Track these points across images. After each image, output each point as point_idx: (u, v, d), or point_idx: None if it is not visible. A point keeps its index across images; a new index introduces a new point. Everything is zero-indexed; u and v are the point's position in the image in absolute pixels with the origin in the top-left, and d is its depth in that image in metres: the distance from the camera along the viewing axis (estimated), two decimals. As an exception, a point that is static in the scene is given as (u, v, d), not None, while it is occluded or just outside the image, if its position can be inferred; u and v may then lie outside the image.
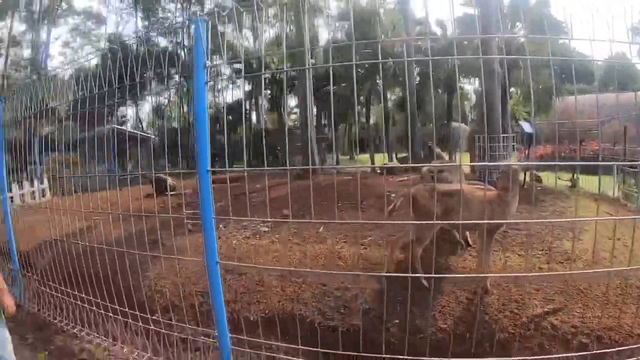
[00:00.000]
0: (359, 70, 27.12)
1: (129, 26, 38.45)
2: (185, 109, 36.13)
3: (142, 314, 4.14)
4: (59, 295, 5.09)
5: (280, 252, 5.85)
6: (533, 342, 3.79)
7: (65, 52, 40.73)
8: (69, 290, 4.92)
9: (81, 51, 40.78)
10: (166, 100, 36.86)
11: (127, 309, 4.25)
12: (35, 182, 12.28)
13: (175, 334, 3.95)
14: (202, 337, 3.79)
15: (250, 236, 6.72)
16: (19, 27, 34.56)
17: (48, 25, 35.02)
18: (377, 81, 28.21)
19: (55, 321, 4.99)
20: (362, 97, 31.45)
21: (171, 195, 10.42)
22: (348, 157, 36.95)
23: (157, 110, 38.18)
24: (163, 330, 4.01)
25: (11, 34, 33.45)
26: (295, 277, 4.89)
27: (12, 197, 10.86)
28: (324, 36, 32.90)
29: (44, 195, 12.60)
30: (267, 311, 4.52)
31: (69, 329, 4.78)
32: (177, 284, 4.89)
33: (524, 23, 20.53)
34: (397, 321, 4.13)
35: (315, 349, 3.36)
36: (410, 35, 20.93)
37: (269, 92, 35.16)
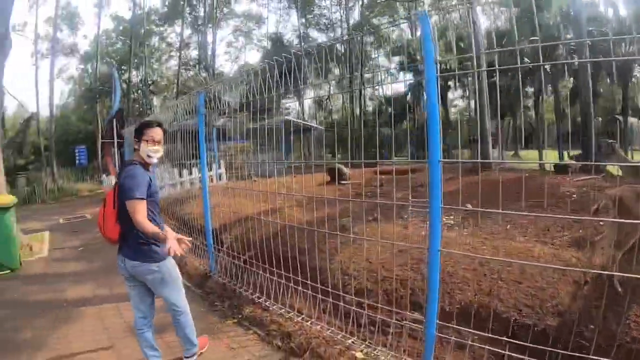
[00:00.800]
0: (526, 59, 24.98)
1: (288, 25, 40.52)
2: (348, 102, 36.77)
3: (334, 291, 4.24)
4: (249, 267, 5.33)
5: (472, 245, 5.49)
6: None
7: (230, 52, 44.60)
8: (259, 264, 5.13)
9: (244, 50, 44.09)
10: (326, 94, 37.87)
11: (318, 286, 4.35)
12: (214, 167, 13.18)
13: (369, 313, 3.96)
14: (404, 321, 3.75)
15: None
16: (186, 31, 38.27)
17: (213, 28, 38.24)
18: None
19: (246, 293, 5.18)
20: (528, 88, 28.91)
21: (345, 183, 10.77)
22: (512, 152, 34.30)
23: (319, 103, 39.42)
24: (357, 310, 4.07)
25: (182, 38, 37.17)
26: (489, 272, 4.59)
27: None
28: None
29: (220, 179, 13.53)
30: (462, 303, 4.24)
31: (262, 301, 4.92)
32: (369, 269, 4.94)
33: None
34: (591, 326, 3.67)
35: (523, 344, 3.09)
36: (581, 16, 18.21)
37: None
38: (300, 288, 4.52)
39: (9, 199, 7.46)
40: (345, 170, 11.34)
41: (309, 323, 4.31)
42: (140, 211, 3.06)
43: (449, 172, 10.87)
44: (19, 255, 7.52)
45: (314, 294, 4.43)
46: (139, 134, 3.31)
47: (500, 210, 3.64)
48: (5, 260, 7.11)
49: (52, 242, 9.53)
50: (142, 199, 3.11)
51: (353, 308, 4.11)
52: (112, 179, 15.87)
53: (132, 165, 3.27)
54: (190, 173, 13.77)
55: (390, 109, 31.38)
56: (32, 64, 30.70)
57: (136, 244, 3.22)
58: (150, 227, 3.05)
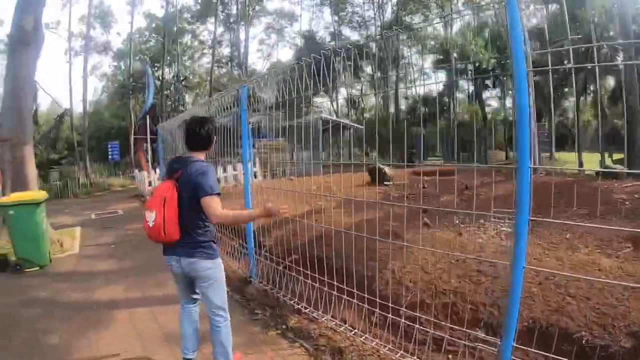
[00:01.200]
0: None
1: (321, 22, 40.19)
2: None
3: (389, 304, 3.82)
4: (292, 273, 4.94)
5: (533, 256, 4.92)
6: None
7: (262, 49, 44.71)
8: (303, 270, 4.71)
9: (276, 47, 44.05)
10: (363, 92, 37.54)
11: (372, 298, 3.95)
12: (250, 165, 12.83)
13: (432, 331, 3.57)
14: (477, 344, 3.32)
15: (495, 235, 5.95)
16: (218, 28, 38.45)
17: (245, 25, 38.27)
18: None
19: (291, 301, 4.74)
20: (567, 89, 27.78)
21: (387, 184, 10.36)
22: (547, 154, 32.99)
23: (352, 102, 39.06)
24: (418, 327, 3.63)
25: (215, 35, 37.26)
26: (555, 286, 4.09)
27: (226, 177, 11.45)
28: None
29: (255, 177, 13.15)
30: (530, 320, 3.72)
31: (308, 311, 4.47)
32: (425, 280, 4.48)
33: None
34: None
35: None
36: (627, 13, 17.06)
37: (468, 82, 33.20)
38: (349, 299, 4.14)
39: (40, 195, 7.19)
40: (387, 170, 10.87)
41: (362, 338, 3.87)
42: (220, 205, 3.10)
43: (485, 176, 10.34)
44: (49, 251, 7.24)
45: (365, 305, 4.02)
46: (211, 140, 3.39)
47: (576, 222, 3.11)
48: (35, 257, 6.83)
49: (83, 238, 9.26)
50: (219, 194, 3.14)
51: (416, 326, 3.65)
52: (145, 175, 15.68)
53: (198, 162, 3.23)
54: (225, 170, 13.49)
55: (424, 108, 30.75)
56: (65, 61, 31.05)
57: (196, 242, 3.17)
58: (236, 213, 3.31)
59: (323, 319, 4.27)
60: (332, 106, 37.96)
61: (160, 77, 34.51)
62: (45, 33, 9.69)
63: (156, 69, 34.55)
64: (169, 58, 35.70)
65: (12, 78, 8.66)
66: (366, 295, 3.99)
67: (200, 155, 3.31)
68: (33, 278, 6.48)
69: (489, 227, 6.33)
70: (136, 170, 20.11)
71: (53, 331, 4.50)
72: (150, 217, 3.05)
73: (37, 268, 6.83)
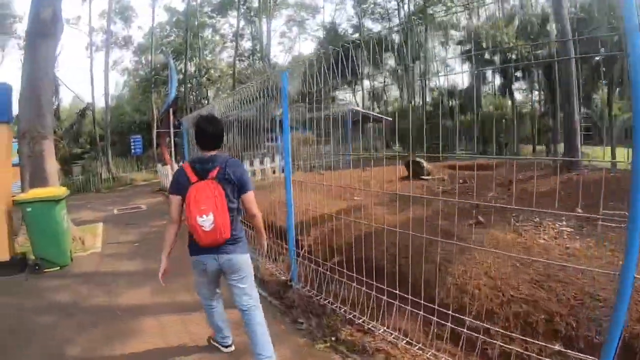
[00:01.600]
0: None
1: (343, 14, 39.49)
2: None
3: (453, 314, 3.38)
4: (336, 276, 4.44)
5: (606, 260, 4.25)
6: None
7: (283, 42, 44.37)
8: (350, 273, 4.21)
9: (298, 40, 43.54)
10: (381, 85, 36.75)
11: (423, 302, 3.50)
12: (277, 158, 12.33)
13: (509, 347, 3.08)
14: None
15: (556, 236, 5.28)
16: (239, 22, 37.85)
17: (267, 18, 37.94)
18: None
19: (340, 310, 4.18)
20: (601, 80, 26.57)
21: (427, 179, 9.88)
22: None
23: (375, 95, 38.49)
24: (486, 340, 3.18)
25: (238, 27, 36.96)
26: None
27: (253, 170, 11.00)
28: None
29: (282, 171, 12.63)
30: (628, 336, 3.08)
31: (362, 322, 3.92)
32: (490, 285, 3.95)
33: None
34: None
35: None
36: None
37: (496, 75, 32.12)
38: (404, 306, 3.65)
39: (60, 191, 6.74)
40: (425, 164, 10.36)
41: (428, 355, 3.35)
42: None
43: (521, 171, 9.71)
44: (70, 250, 6.82)
45: (421, 313, 3.54)
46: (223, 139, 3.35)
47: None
48: (54, 257, 6.41)
49: (105, 236, 8.85)
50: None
51: (498, 343, 3.14)
52: (168, 169, 15.33)
53: (231, 158, 3.23)
54: (260, 163, 12.88)
55: (451, 100, 30.01)
56: (87, 56, 30.93)
57: (236, 238, 3.16)
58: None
59: (379, 331, 3.73)
60: (355, 99, 37.27)
61: (184, 71, 34.33)
62: (64, 25, 9.30)
63: (178, 62, 34.33)
64: (190, 52, 35.47)
65: (30, 70, 8.25)
66: (423, 302, 3.49)
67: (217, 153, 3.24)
68: (53, 279, 6.06)
69: (547, 226, 5.68)
70: (159, 164, 19.86)
71: (74, 341, 4.06)
72: (206, 221, 2.94)
73: (58, 268, 6.41)
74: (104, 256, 7.22)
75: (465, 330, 3.29)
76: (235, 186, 3.07)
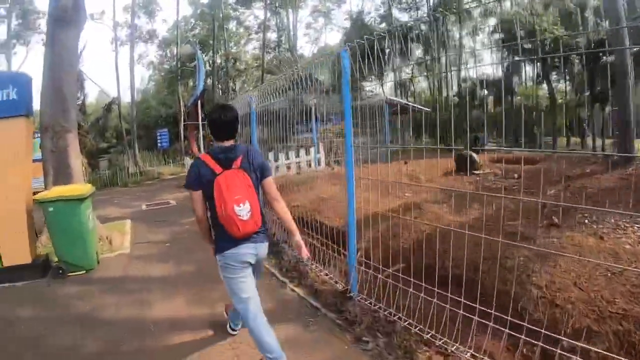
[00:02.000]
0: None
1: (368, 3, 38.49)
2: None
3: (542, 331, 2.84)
4: (403, 286, 3.76)
5: None
6: None
7: (309, 33, 43.78)
8: (419, 283, 3.60)
9: (324, 31, 42.89)
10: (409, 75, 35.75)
11: (509, 319, 2.97)
12: (312, 151, 11.68)
13: None
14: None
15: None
16: (266, 12, 37.47)
17: (293, 9, 37.36)
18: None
19: (415, 329, 3.49)
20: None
21: (477, 174, 9.30)
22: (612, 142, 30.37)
23: (403, 85, 37.62)
24: None
25: (265, 18, 36.54)
26: None
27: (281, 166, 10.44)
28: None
29: (319, 164, 11.97)
30: None
31: (442, 343, 3.26)
32: (581, 299, 3.31)
33: None
34: None
35: None
36: None
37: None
38: (490, 323, 3.05)
39: (84, 189, 6.13)
40: (477, 158, 9.71)
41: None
42: None
43: (574, 165, 8.86)
44: (97, 252, 6.26)
45: (506, 331, 3.00)
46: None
47: None
48: (79, 260, 5.85)
49: (134, 234, 8.28)
50: None
51: None
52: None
53: (248, 146, 3.27)
54: (295, 155, 12.17)
55: (485, 91, 29.07)
56: (111, 50, 30.92)
57: (264, 224, 3.08)
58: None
59: (467, 355, 3.07)
60: (383, 90, 36.35)
61: (211, 62, 34.07)
62: (88, 18, 8.78)
63: (204, 54, 34.10)
64: (216, 44, 35.20)
65: (51, 61, 7.69)
66: (509, 318, 2.95)
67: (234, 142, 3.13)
68: (77, 285, 5.49)
69: (626, 228, 4.86)
70: (187, 158, 19.47)
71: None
72: (243, 209, 2.83)
73: (83, 272, 5.86)
74: (132, 258, 6.64)
75: (559, 351, 2.72)
76: (257, 174, 3.02)
